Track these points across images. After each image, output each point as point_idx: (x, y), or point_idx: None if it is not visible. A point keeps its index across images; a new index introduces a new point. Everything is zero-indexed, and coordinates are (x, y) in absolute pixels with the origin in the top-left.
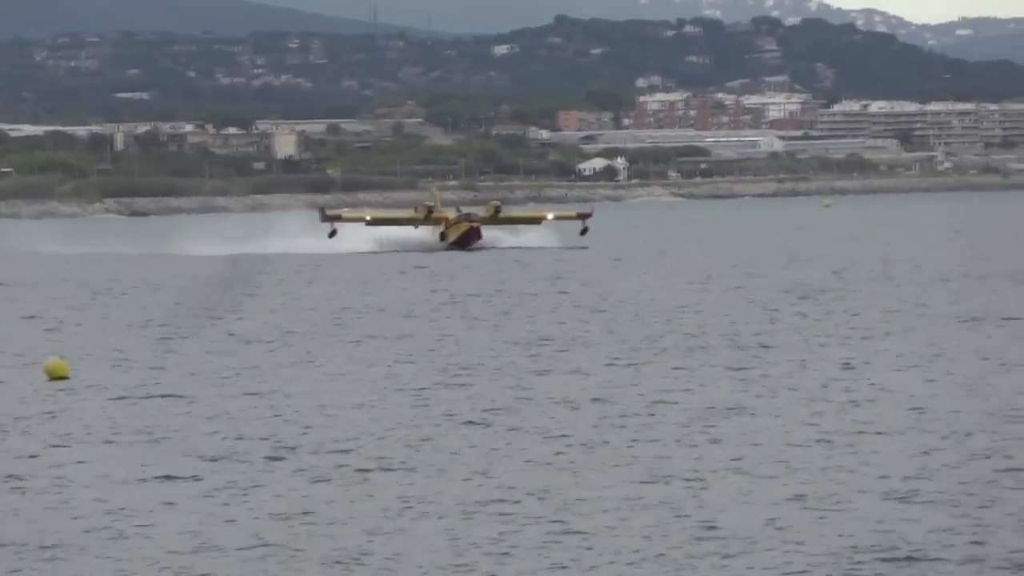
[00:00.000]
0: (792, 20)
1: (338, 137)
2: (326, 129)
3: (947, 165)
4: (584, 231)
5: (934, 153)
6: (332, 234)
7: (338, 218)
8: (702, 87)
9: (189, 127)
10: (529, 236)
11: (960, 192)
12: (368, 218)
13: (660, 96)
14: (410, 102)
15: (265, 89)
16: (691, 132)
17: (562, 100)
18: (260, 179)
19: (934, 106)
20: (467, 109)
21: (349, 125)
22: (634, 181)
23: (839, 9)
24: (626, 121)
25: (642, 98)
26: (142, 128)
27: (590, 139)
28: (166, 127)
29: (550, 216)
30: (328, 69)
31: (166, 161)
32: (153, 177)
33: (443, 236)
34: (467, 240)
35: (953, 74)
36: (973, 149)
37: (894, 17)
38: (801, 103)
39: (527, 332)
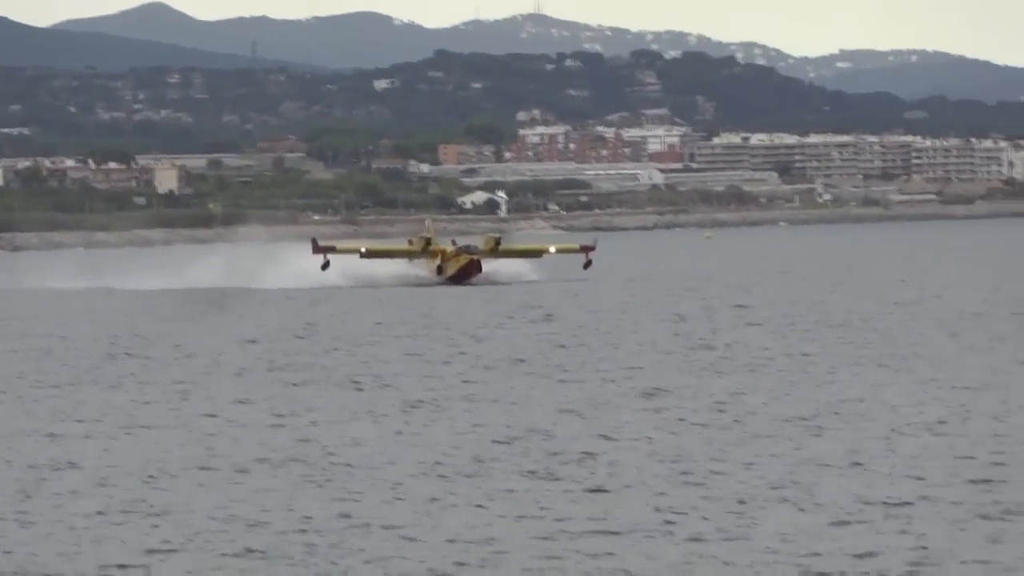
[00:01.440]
0: (672, 53)
1: (219, 172)
2: (207, 164)
3: (827, 197)
4: (587, 264)
5: (814, 185)
6: (325, 266)
7: (332, 250)
8: (582, 120)
9: (70, 162)
10: (518, 269)
11: (840, 224)
12: (363, 250)
13: (540, 129)
14: (291, 136)
15: (146, 124)
16: (571, 165)
17: (443, 134)
18: (141, 214)
19: (814, 138)
20: (348, 143)
21: (230, 159)
22: (515, 214)
23: (719, 42)
24: (507, 154)
25: (522, 131)
26: (23, 164)
27: (471, 172)
28: (47, 162)
29: (552, 249)
30: (209, 104)
31: (47, 196)
32: (35, 212)
33: (440, 269)
34: (466, 274)
35: (833, 106)
36: (853, 181)
37: (774, 50)
38: (681, 136)
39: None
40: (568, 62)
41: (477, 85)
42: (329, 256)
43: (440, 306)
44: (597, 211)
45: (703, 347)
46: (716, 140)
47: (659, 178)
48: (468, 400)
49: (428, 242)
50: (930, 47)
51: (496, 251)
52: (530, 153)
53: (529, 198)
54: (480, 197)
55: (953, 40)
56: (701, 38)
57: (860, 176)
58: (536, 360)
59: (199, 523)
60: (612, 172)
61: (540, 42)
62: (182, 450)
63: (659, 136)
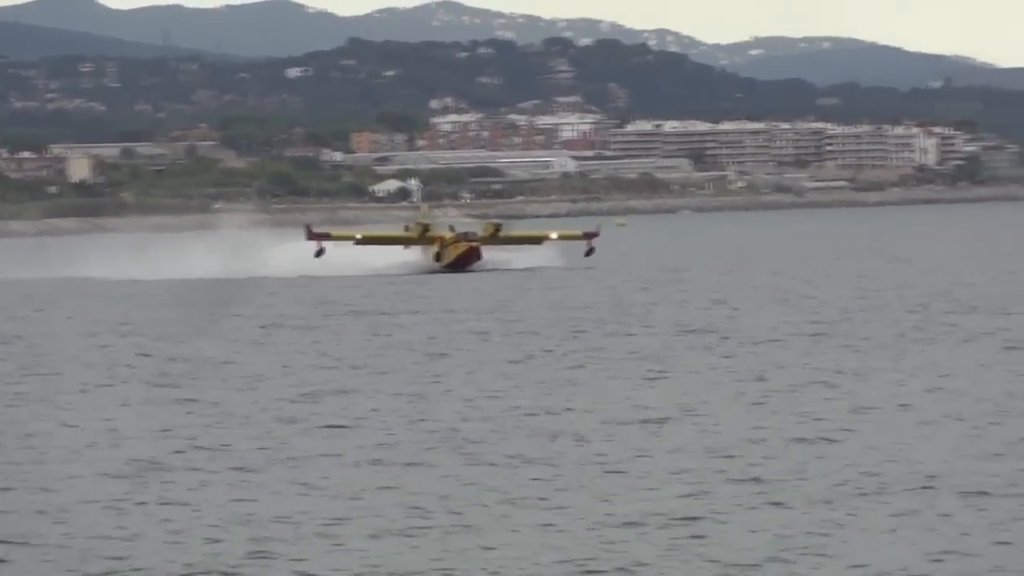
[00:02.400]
0: (585, 41)
1: (132, 160)
2: (120, 153)
3: (739, 184)
4: (590, 252)
5: (726, 172)
6: (319, 253)
7: (326, 236)
8: (495, 108)
9: None
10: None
11: (752, 211)
12: (358, 236)
13: (453, 117)
14: (203, 125)
15: (59, 113)
16: (484, 153)
17: (355, 122)
18: (53, 203)
19: (726, 125)
20: (260, 132)
21: (143, 148)
22: (428, 202)
23: (631, 29)
24: (419, 142)
25: (435, 119)
26: None
27: (383, 161)
28: None
29: (554, 235)
30: (121, 93)
31: None
32: None
33: (439, 256)
34: (465, 261)
35: (745, 93)
36: (765, 168)
37: (686, 37)
38: (594, 123)
39: None
40: (481, 50)
41: (390, 73)
42: (324, 243)
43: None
44: (510, 199)
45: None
46: (629, 127)
47: (572, 165)
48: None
49: (426, 228)
50: (842, 34)
51: (496, 238)
52: (443, 141)
53: (442, 186)
54: (393, 185)
55: (865, 27)
56: (613, 25)
57: (772, 163)
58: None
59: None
60: (525, 160)
61: (452, 30)
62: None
63: (572, 123)
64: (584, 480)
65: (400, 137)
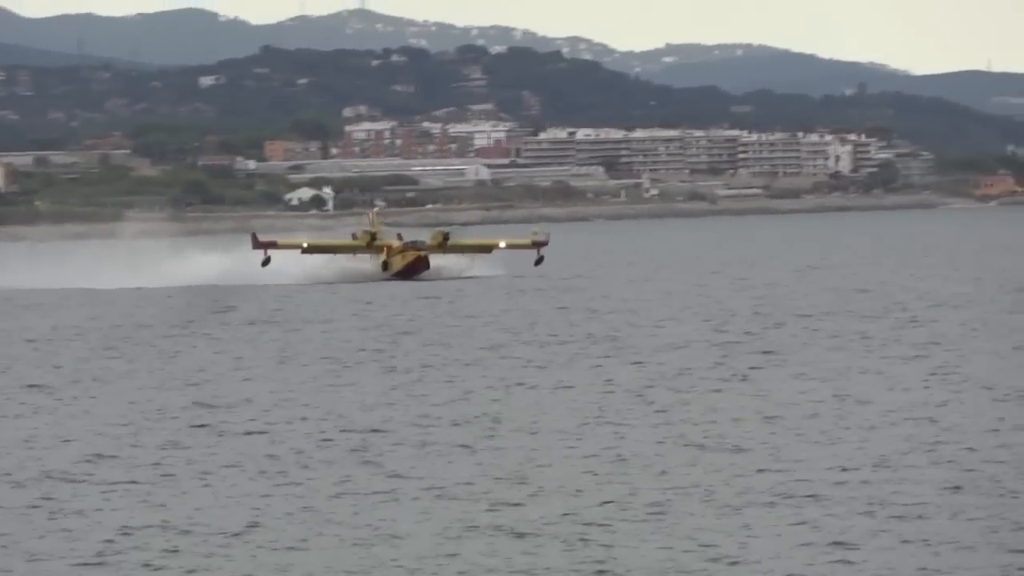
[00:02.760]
0: (498, 49)
1: (45, 169)
2: (33, 161)
3: (654, 192)
4: (539, 260)
5: (640, 180)
6: (266, 262)
7: (272, 245)
8: (409, 116)
9: None
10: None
11: (668, 219)
12: (305, 245)
13: (367, 125)
14: (117, 133)
15: None
16: (398, 161)
17: (269, 130)
18: None
19: (640, 133)
20: (174, 140)
21: (57, 157)
22: (341, 210)
23: (545, 37)
24: (333, 151)
25: (349, 127)
26: None
27: (297, 169)
28: None
29: (502, 244)
30: (34, 101)
31: None
32: None
33: (386, 265)
34: (413, 270)
35: (659, 101)
36: (679, 175)
37: (599, 45)
38: (507, 131)
39: None
40: (394, 57)
41: (303, 81)
42: (270, 252)
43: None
44: (424, 207)
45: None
46: (542, 135)
47: (485, 173)
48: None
49: (373, 237)
50: (755, 41)
51: (444, 246)
52: (356, 149)
53: (356, 194)
54: (307, 193)
55: (778, 34)
56: (527, 33)
57: (687, 171)
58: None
59: None
60: (439, 168)
61: (366, 38)
62: None
63: (485, 131)
64: (482, 489)
65: (314, 145)
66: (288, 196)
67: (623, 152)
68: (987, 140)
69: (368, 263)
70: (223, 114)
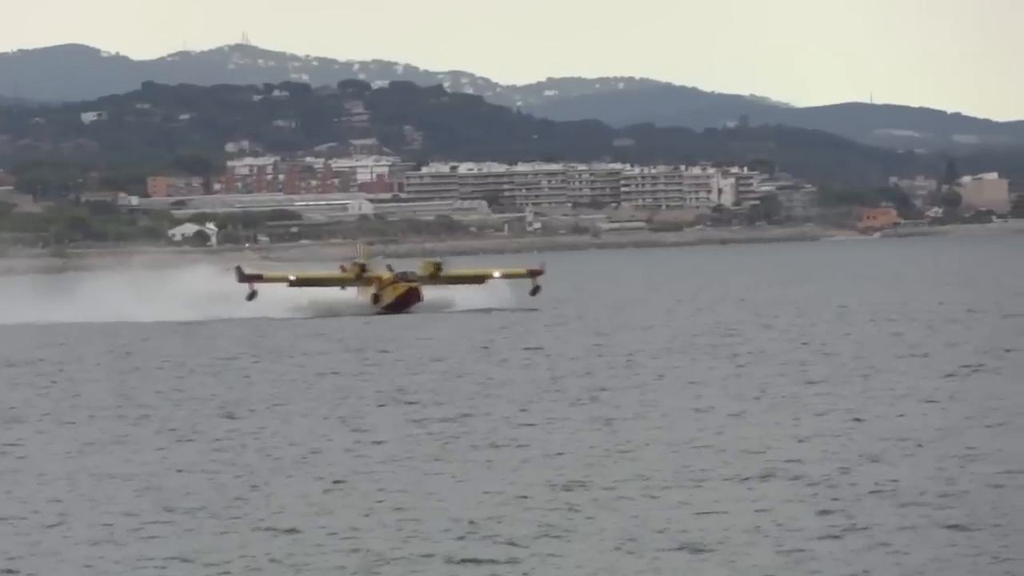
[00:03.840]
0: (379, 83)
1: None
2: None
3: (537, 225)
4: (535, 290)
5: (523, 214)
6: (251, 296)
7: (258, 278)
8: (291, 151)
9: None
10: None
11: (551, 252)
12: (292, 278)
13: (249, 160)
14: None
15: None
16: (281, 196)
17: (151, 166)
18: None
19: (523, 167)
20: (56, 176)
21: None
22: (225, 246)
23: (426, 71)
24: (216, 186)
25: (231, 163)
26: None
27: (180, 204)
28: None
29: (496, 274)
30: None
31: None
32: None
33: (376, 298)
34: (404, 302)
35: (541, 135)
36: (562, 209)
37: (481, 79)
38: (390, 166)
39: None
40: (276, 92)
41: (185, 116)
42: (256, 285)
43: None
44: (306, 241)
45: None
46: (425, 170)
47: (368, 208)
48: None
49: (363, 268)
50: (637, 74)
51: (437, 277)
52: (239, 184)
53: (239, 229)
54: (190, 229)
55: (660, 67)
56: (408, 67)
57: (569, 204)
58: None
59: None
60: (321, 203)
61: (247, 73)
62: None
63: (368, 166)
64: (392, 508)
65: (196, 180)
66: (171, 231)
67: (506, 186)
68: (869, 172)
69: (359, 296)
70: (105, 150)
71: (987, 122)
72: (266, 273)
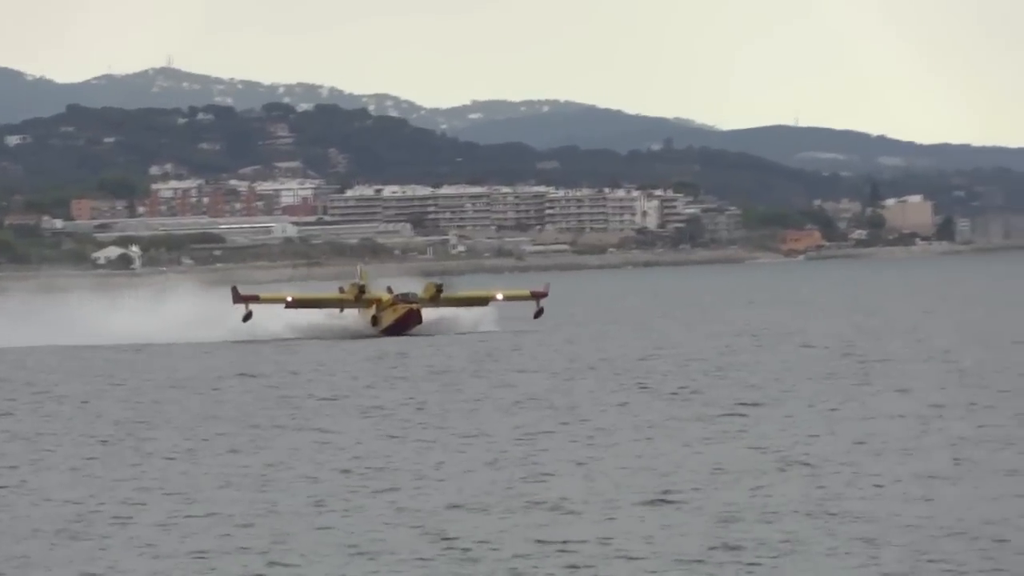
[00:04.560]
0: (304, 106)
1: None
2: None
3: (461, 248)
4: (539, 313)
5: (447, 236)
6: (247, 317)
7: (255, 299)
8: (216, 174)
9: None
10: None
11: (475, 275)
12: (289, 299)
13: (173, 184)
14: None
15: None
16: (205, 219)
17: (75, 189)
18: None
19: (447, 190)
20: None
21: None
22: (149, 268)
23: (351, 95)
24: (140, 209)
25: (155, 186)
26: None
27: (104, 228)
28: None
29: (500, 296)
30: None
31: None
32: None
33: (375, 320)
34: (404, 324)
35: (466, 157)
36: (486, 232)
37: (406, 102)
38: (314, 188)
39: None
40: (200, 116)
41: (110, 140)
42: (252, 306)
43: None
44: (221, 265)
45: None
46: (349, 192)
47: (293, 231)
48: None
49: (362, 290)
50: (561, 97)
51: (437, 299)
52: (163, 207)
53: (163, 253)
54: (114, 252)
55: (584, 90)
56: (333, 90)
57: (493, 227)
58: None
59: None
60: (246, 226)
61: (172, 96)
62: None
63: (292, 189)
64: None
65: (120, 204)
66: (95, 255)
67: (430, 209)
68: (793, 195)
69: (358, 318)
70: (29, 173)
71: (912, 145)
72: (263, 294)
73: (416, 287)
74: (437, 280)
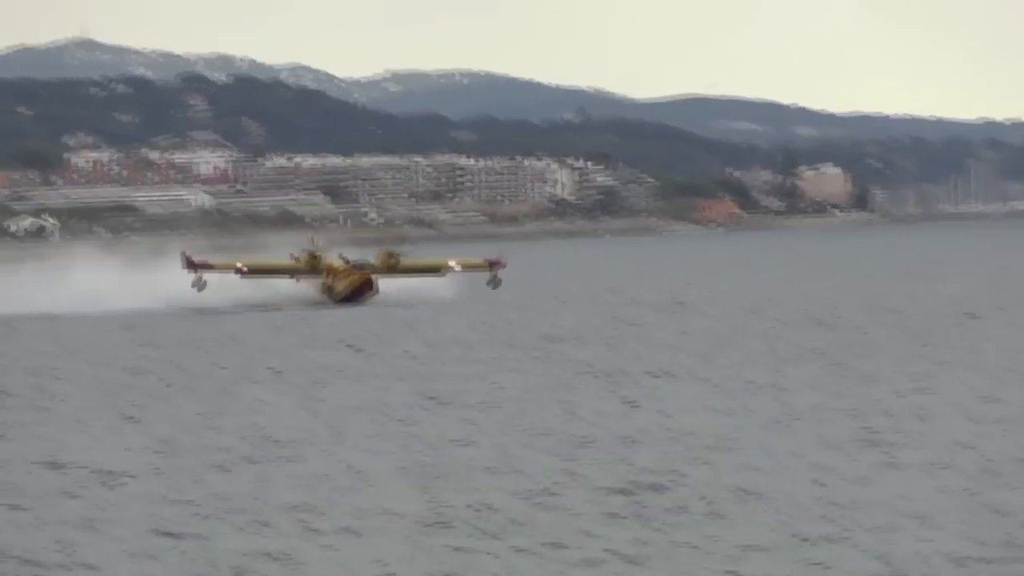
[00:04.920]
0: (221, 77)
1: None
2: None
3: (376, 218)
4: (496, 282)
5: (363, 207)
6: (199, 285)
7: (206, 266)
8: (131, 145)
9: None
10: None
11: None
12: (241, 267)
13: (90, 154)
14: None
15: None
16: (121, 190)
17: None
18: None
19: (363, 160)
20: None
21: None
22: (65, 239)
23: (267, 66)
24: (55, 180)
25: (71, 156)
26: None
27: (19, 198)
28: None
29: (455, 265)
30: None
31: None
32: None
33: (329, 289)
34: (359, 293)
35: (382, 128)
36: (401, 202)
37: (322, 72)
38: (230, 159)
39: None
40: (117, 87)
41: (24, 110)
42: (204, 274)
43: None
44: (135, 237)
45: None
46: (265, 163)
47: (209, 202)
48: None
49: (315, 258)
50: (477, 67)
51: (392, 267)
52: (79, 178)
53: (79, 223)
54: (29, 223)
55: (500, 60)
56: (249, 61)
57: (409, 197)
58: None
59: None
60: (161, 196)
61: (88, 67)
62: None
63: (208, 160)
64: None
65: (36, 174)
66: (10, 226)
67: (346, 179)
68: (709, 165)
69: (310, 286)
70: None
71: (827, 115)
72: (215, 261)
73: (370, 255)
74: (392, 249)
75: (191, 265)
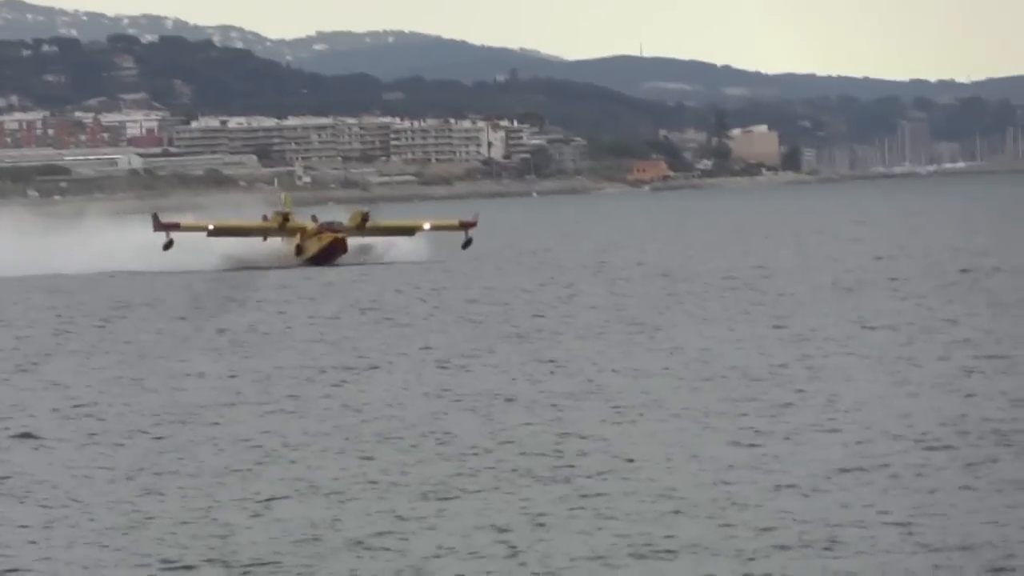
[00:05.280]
0: (149, 38)
1: None
2: None
3: (306, 179)
4: (467, 243)
5: (293, 168)
6: (168, 245)
7: (175, 227)
8: (60, 106)
9: None
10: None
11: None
12: (211, 227)
13: (18, 115)
14: None
15: None
16: (50, 151)
17: None
18: None
19: (292, 121)
20: None
21: None
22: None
23: (196, 26)
24: None
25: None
26: None
27: None
28: None
29: (427, 225)
30: None
31: None
32: None
33: (300, 250)
34: (330, 254)
35: (311, 89)
36: (332, 163)
37: (251, 33)
38: (159, 120)
39: None
40: (45, 47)
41: None
42: (173, 234)
43: None
44: (59, 198)
45: None
46: (194, 124)
47: (138, 163)
48: None
49: (286, 218)
50: (406, 27)
51: (363, 228)
52: (8, 139)
53: (8, 184)
54: None
55: (429, 20)
56: (178, 22)
57: (339, 158)
58: None
59: None
60: (91, 157)
61: (16, 28)
62: None
63: (137, 121)
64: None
65: None
66: None
67: (275, 140)
68: (639, 125)
69: (282, 246)
70: None
71: (757, 75)
72: (184, 221)
73: (341, 215)
74: (363, 208)
75: (160, 226)
